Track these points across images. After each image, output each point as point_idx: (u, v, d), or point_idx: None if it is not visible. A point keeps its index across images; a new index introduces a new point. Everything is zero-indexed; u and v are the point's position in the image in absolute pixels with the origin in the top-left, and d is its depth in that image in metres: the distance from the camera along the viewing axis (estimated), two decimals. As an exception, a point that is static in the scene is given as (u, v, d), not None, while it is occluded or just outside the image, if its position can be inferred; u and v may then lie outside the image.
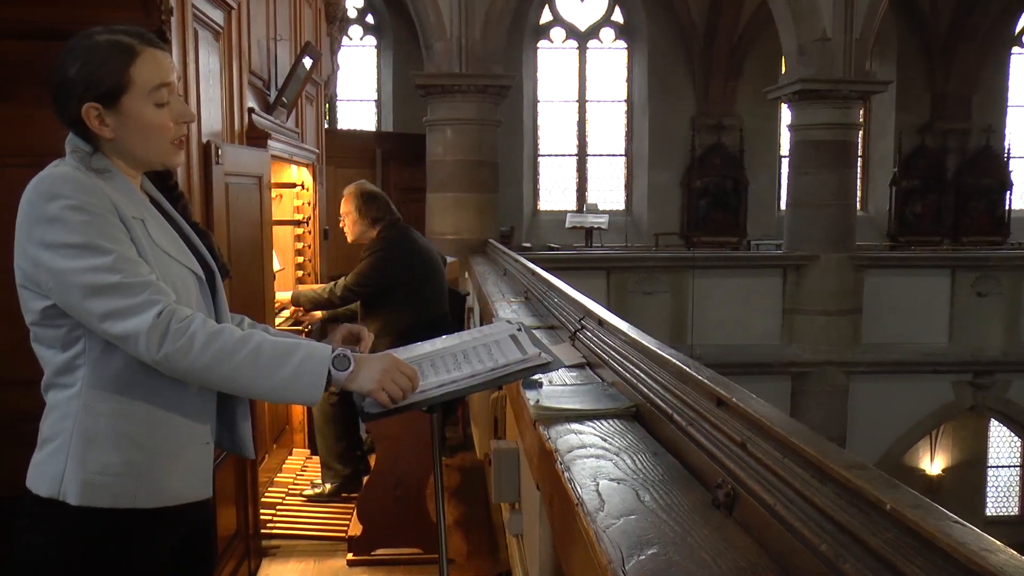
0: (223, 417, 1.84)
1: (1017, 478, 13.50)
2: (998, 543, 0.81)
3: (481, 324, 4.68)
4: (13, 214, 1.60)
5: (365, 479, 4.46)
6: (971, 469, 12.97)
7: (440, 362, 1.82)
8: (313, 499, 4.51)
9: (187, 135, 1.78)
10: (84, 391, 1.64)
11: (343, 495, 4.51)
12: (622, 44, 14.47)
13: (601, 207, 13.62)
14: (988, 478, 13.33)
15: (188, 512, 1.75)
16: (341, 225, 4.60)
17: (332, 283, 4.51)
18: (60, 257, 1.56)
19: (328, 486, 4.53)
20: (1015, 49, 14.67)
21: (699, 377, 1.60)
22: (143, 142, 1.69)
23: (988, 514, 13.05)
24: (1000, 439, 13.20)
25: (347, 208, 4.53)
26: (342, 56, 10.98)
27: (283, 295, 4.55)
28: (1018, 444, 13.16)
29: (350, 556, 3.88)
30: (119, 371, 1.64)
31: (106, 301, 1.55)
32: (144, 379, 1.64)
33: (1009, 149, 14.12)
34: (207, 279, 1.80)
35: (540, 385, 2.05)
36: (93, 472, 1.62)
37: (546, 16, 14.34)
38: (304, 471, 4.88)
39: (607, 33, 14.48)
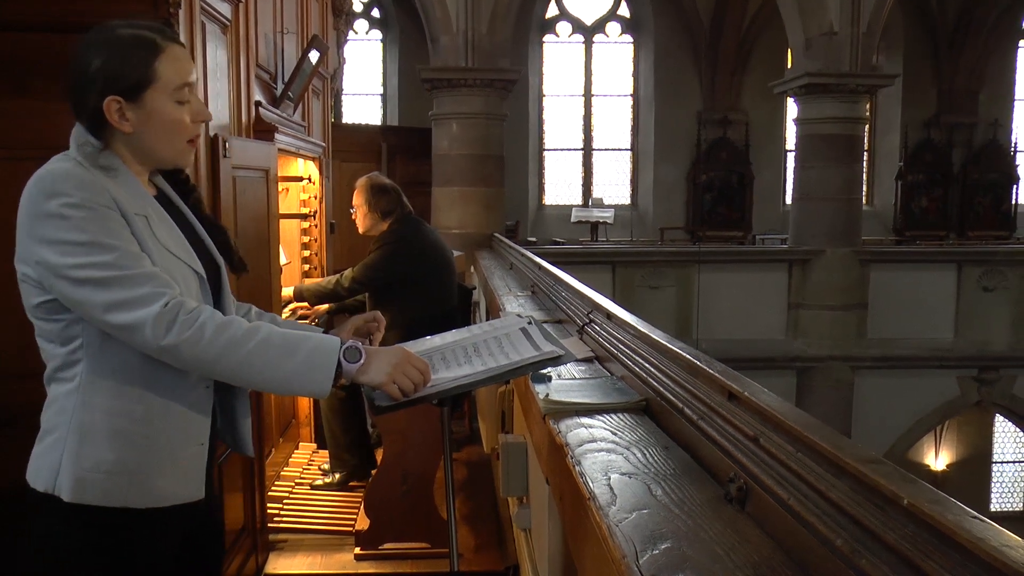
0: (225, 414, 1.84)
1: (1022, 474, 13.48)
2: (1018, 539, 0.80)
3: (487, 318, 4.68)
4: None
5: (373, 471, 4.47)
6: (976, 465, 12.95)
7: (451, 355, 1.82)
8: (323, 488, 4.52)
9: (199, 134, 1.77)
10: (82, 386, 1.63)
11: (351, 484, 4.52)
12: (628, 39, 14.45)
13: (607, 201, 13.65)
14: (993, 474, 13.32)
15: (184, 512, 1.74)
16: (353, 217, 4.60)
17: (338, 275, 4.50)
18: (61, 254, 1.54)
19: (338, 475, 4.54)
20: (1022, 43, 14.61)
21: (710, 371, 1.59)
22: (162, 138, 1.68)
23: (993, 510, 13.02)
24: (1005, 435, 13.18)
25: (358, 200, 4.53)
26: (348, 50, 10.97)
27: (285, 291, 4.53)
28: (1023, 440, 13.13)
29: (357, 550, 3.88)
30: (116, 368, 1.63)
31: (110, 292, 1.54)
32: (141, 378, 1.63)
33: (1016, 143, 14.10)
34: (210, 277, 1.78)
35: (549, 379, 2.05)
36: (86, 469, 1.62)
37: (552, 10, 14.32)
38: (310, 465, 4.87)
39: (613, 27, 14.46)
